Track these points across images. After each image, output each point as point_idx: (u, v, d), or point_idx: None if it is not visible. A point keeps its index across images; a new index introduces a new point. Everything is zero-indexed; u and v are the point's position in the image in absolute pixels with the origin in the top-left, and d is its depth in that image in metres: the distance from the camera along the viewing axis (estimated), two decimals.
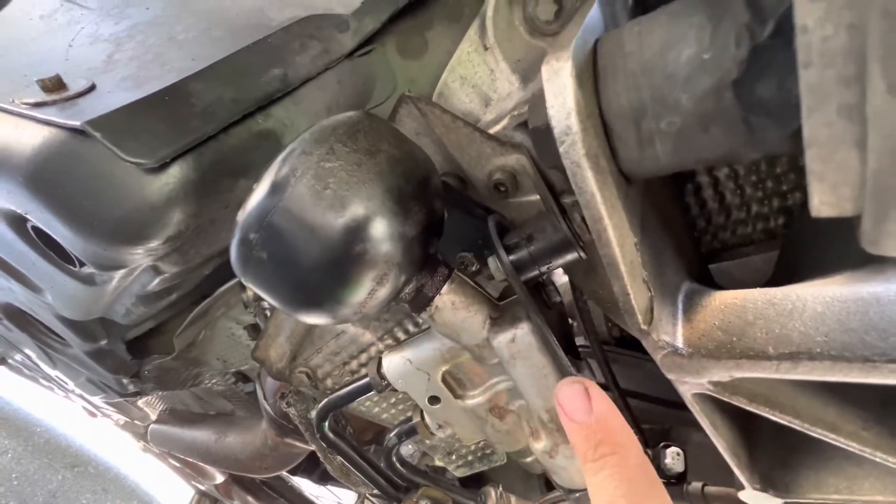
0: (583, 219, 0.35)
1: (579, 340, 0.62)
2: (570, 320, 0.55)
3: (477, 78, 0.48)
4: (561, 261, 0.35)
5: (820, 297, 0.28)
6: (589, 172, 0.21)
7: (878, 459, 0.30)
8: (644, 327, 0.28)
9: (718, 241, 0.53)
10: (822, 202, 0.17)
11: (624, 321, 0.30)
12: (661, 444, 0.46)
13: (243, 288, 0.66)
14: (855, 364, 0.24)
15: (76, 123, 0.33)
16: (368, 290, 0.32)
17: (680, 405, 0.37)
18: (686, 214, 0.52)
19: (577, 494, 0.46)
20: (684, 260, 0.41)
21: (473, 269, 0.43)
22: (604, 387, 0.37)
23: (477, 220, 0.51)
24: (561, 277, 0.64)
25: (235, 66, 0.42)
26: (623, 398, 0.50)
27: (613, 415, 0.29)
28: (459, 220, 0.48)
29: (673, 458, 0.45)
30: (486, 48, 0.47)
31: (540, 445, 0.44)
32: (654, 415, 0.68)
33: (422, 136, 0.48)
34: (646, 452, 0.32)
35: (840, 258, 0.32)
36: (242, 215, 0.31)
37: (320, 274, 0.31)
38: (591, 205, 0.22)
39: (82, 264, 0.49)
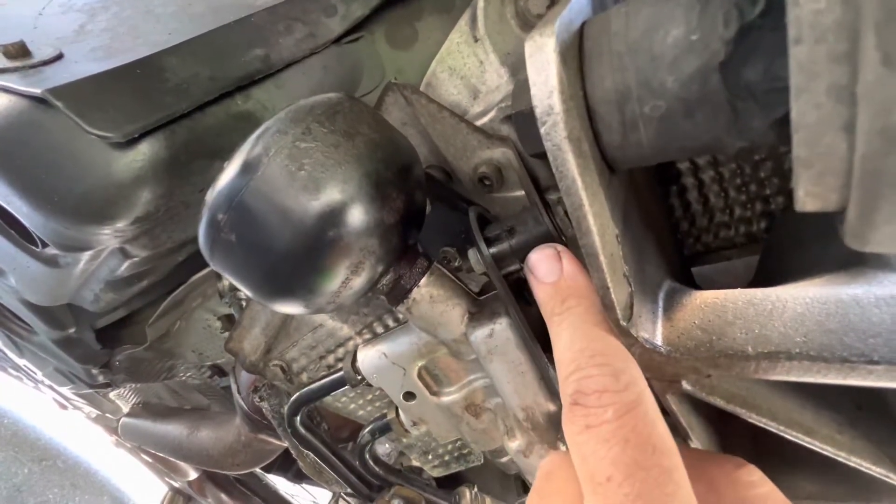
0: (566, 212, 0.34)
1: None
2: None
3: (466, 69, 0.47)
4: None
5: (800, 298, 0.27)
6: (570, 156, 0.20)
7: (852, 464, 0.30)
8: (623, 323, 0.27)
9: (701, 245, 0.53)
10: (808, 193, 0.17)
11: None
12: None
13: (219, 277, 0.64)
14: (833, 365, 0.24)
15: (37, 91, 0.31)
16: (343, 279, 0.31)
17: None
18: (670, 217, 0.52)
19: None
20: (666, 260, 0.40)
21: (456, 264, 0.42)
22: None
23: (461, 215, 0.50)
24: None
25: (214, 44, 0.41)
26: None
27: (583, 274, 0.29)
28: (443, 214, 0.47)
29: None
30: (476, 40, 0.46)
31: (515, 445, 0.44)
32: None
33: (408, 126, 0.47)
34: None
35: (819, 263, 0.32)
36: (211, 195, 0.30)
37: (292, 259, 0.29)
38: (572, 190, 0.21)
39: (45, 244, 0.47)
